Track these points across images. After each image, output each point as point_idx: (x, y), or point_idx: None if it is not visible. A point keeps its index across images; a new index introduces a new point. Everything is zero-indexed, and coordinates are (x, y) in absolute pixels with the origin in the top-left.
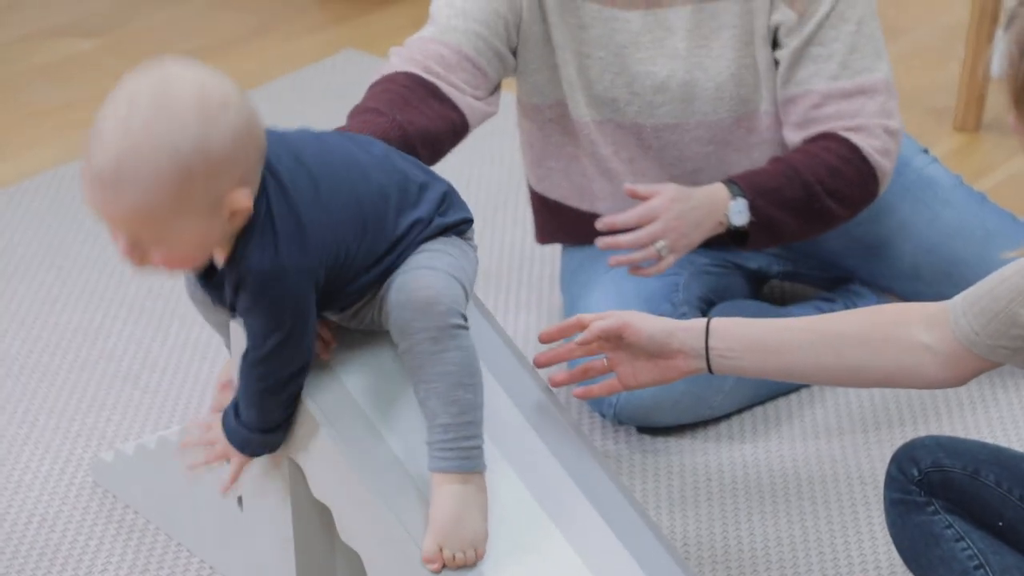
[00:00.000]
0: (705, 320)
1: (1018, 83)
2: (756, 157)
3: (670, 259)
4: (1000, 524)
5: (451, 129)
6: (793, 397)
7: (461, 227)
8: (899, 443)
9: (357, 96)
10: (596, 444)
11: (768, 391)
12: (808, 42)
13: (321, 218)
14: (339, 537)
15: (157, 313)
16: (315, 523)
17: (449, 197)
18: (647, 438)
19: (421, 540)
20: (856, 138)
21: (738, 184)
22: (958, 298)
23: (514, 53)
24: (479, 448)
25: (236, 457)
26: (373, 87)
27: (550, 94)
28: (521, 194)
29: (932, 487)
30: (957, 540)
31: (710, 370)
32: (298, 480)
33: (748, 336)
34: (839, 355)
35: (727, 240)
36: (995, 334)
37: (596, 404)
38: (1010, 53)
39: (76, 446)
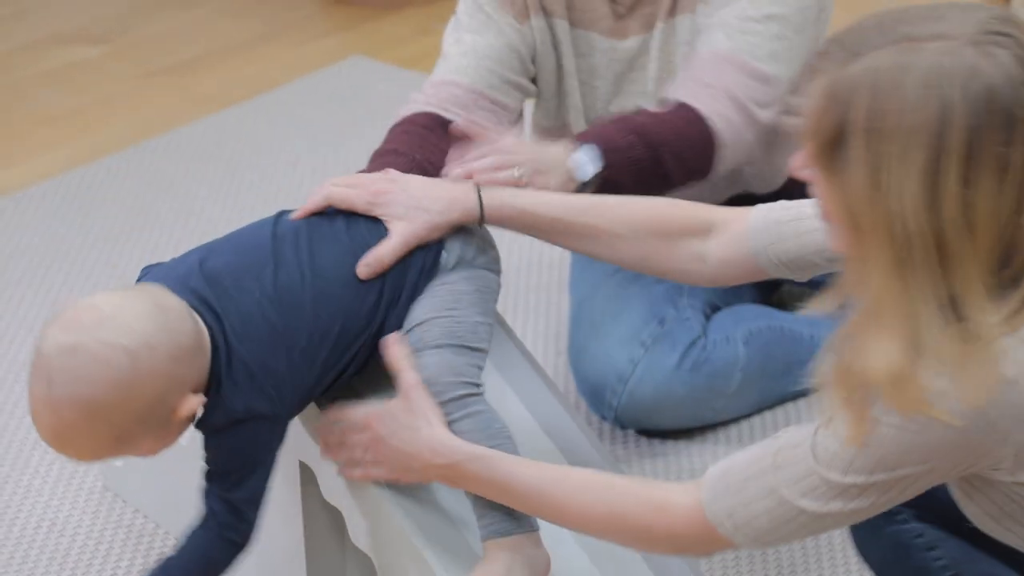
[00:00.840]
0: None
1: (821, 137)
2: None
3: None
4: (969, 525)
5: None
6: (802, 403)
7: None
8: None
9: (365, 101)
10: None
11: (774, 397)
12: (707, 15)
13: (275, 358)
14: (349, 540)
15: None
16: (325, 526)
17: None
18: (656, 442)
19: (433, 544)
20: (701, 99)
21: (586, 140)
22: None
23: (533, 80)
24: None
25: None
26: (394, 129)
27: (557, 119)
28: None
29: None
30: (929, 549)
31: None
32: (309, 482)
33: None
34: None
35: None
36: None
37: (597, 407)
38: (813, 105)
39: None
